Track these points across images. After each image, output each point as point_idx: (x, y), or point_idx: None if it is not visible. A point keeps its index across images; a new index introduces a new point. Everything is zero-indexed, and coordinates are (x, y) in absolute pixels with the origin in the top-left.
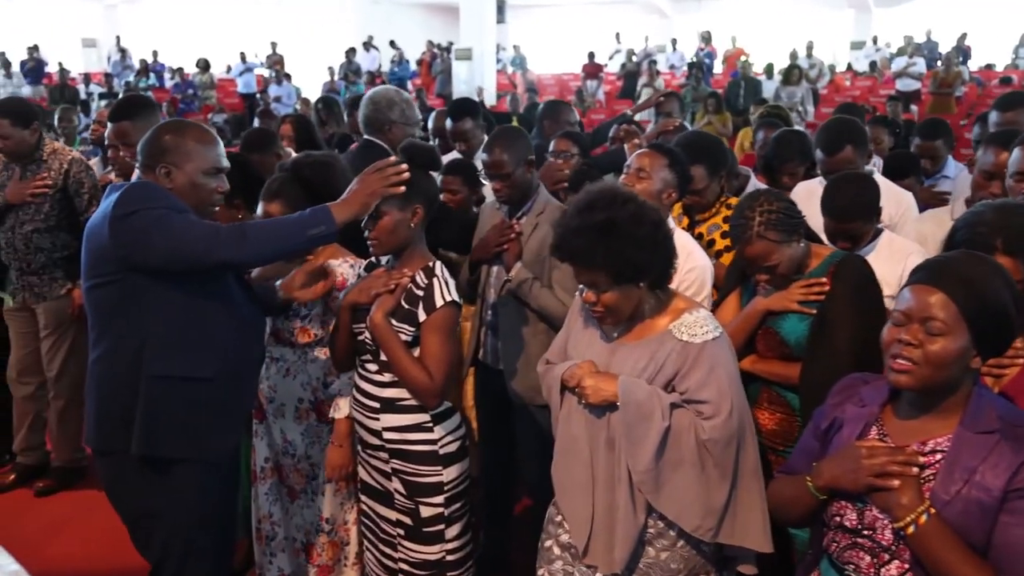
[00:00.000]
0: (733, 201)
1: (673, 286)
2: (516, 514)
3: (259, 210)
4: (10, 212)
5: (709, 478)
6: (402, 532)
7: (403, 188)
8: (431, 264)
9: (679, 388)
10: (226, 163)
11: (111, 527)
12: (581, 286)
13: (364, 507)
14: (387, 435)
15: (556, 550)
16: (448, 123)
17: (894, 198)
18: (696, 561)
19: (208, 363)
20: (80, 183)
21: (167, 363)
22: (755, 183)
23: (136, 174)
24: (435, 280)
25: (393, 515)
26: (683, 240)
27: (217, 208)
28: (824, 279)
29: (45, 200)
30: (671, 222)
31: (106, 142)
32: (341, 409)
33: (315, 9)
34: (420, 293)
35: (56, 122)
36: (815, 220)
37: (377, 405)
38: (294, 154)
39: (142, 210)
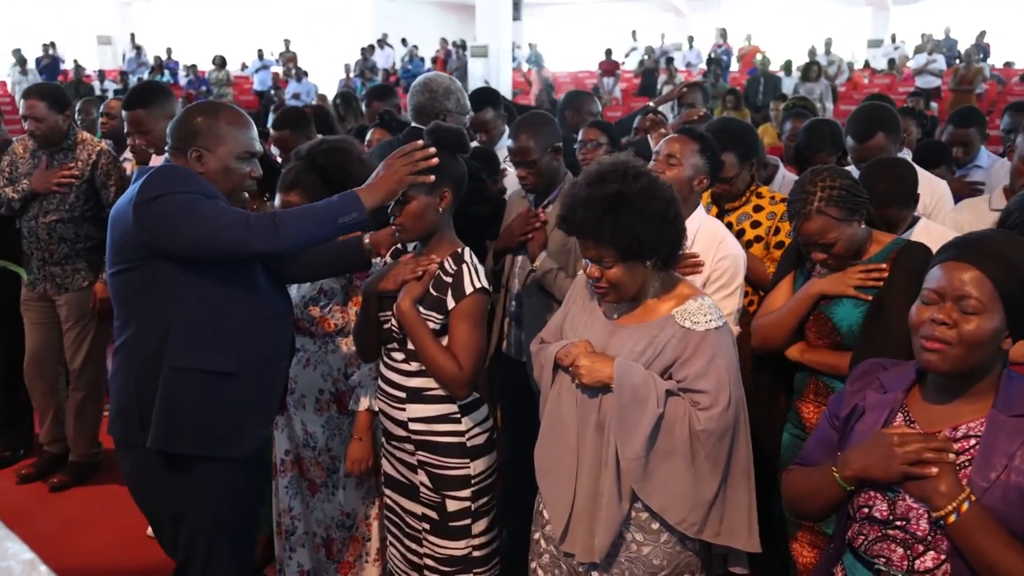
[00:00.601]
0: (763, 190)
1: (704, 275)
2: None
3: (277, 200)
4: (34, 200)
5: (699, 471)
6: (427, 527)
7: (432, 177)
8: (460, 250)
9: (677, 376)
10: (259, 147)
11: (127, 523)
12: (585, 261)
13: (388, 501)
14: (413, 426)
15: (543, 542)
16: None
17: (928, 187)
18: (680, 559)
19: (232, 356)
20: (108, 175)
21: (189, 354)
22: (783, 173)
23: (156, 159)
24: (464, 266)
25: (418, 509)
26: (715, 228)
27: (248, 194)
28: (884, 264)
29: (71, 190)
30: (701, 210)
31: (125, 130)
32: (362, 401)
33: (330, 6)
34: (449, 280)
35: (75, 113)
36: None
37: (403, 395)
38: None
39: (168, 194)
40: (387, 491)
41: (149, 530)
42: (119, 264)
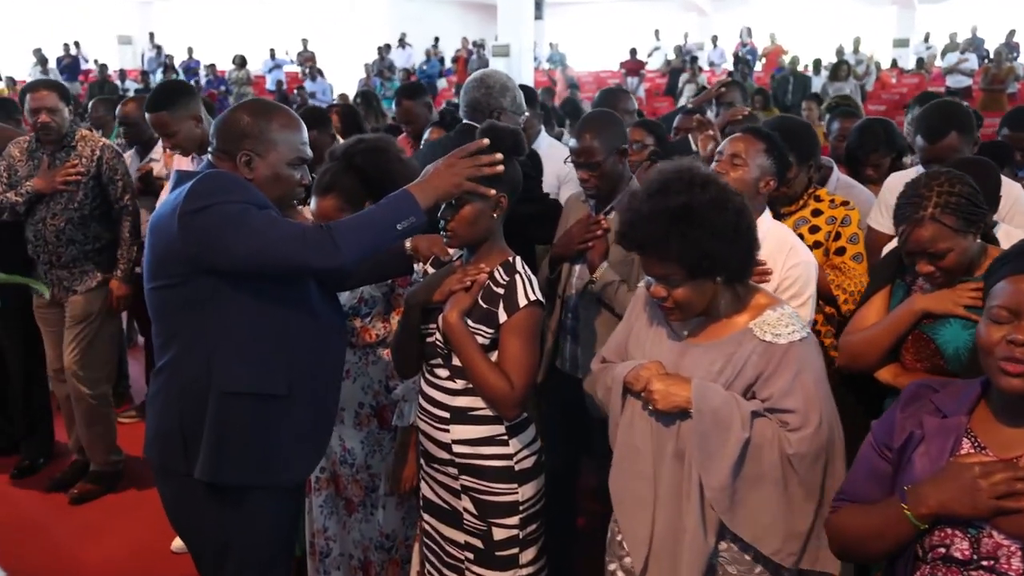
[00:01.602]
0: (822, 193)
1: (774, 283)
2: (581, 527)
3: (312, 205)
4: (40, 203)
5: (792, 497)
6: (471, 556)
7: (492, 191)
8: (511, 259)
9: (760, 395)
10: (309, 153)
11: (147, 536)
12: (648, 278)
13: (427, 527)
14: (457, 448)
15: (620, 574)
16: None
17: (1003, 190)
18: None
19: (285, 378)
20: (114, 170)
21: (239, 378)
22: (838, 175)
23: (195, 160)
24: (517, 277)
25: (461, 537)
26: (784, 233)
27: (298, 203)
28: None
29: (78, 189)
30: (767, 214)
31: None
32: (405, 416)
33: (347, 6)
34: (500, 291)
35: (88, 111)
36: None
37: (447, 415)
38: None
39: (217, 204)
40: (426, 516)
41: (174, 544)
42: (161, 279)
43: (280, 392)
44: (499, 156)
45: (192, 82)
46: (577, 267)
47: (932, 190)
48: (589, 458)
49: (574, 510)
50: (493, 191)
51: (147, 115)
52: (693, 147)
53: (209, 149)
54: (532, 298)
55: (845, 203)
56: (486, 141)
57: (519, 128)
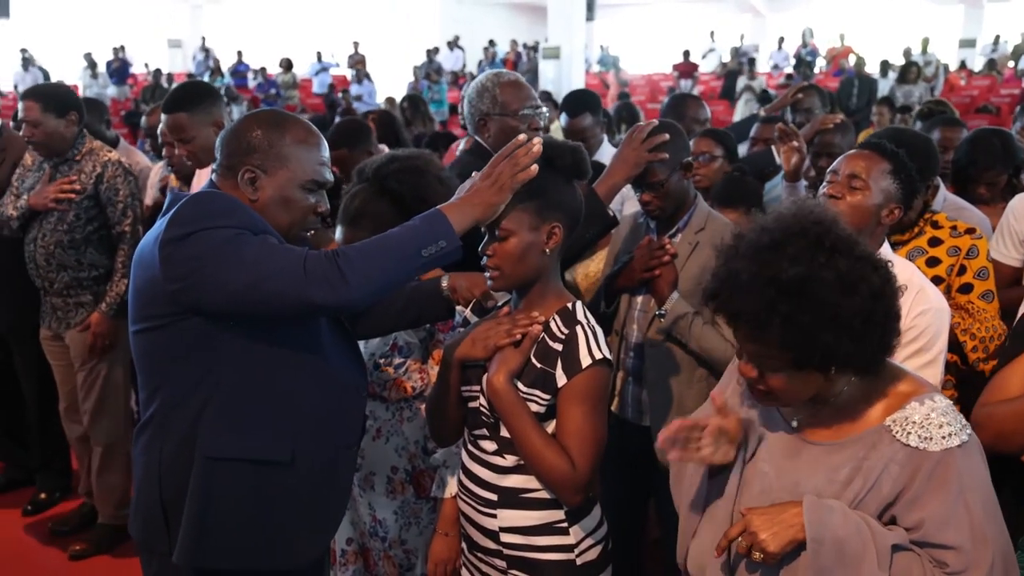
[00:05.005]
0: (940, 218)
1: None
2: None
3: (338, 235)
4: (35, 220)
5: None
6: None
7: (535, 168)
8: (571, 306)
9: (904, 520)
10: (329, 176)
11: None
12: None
13: None
14: (506, 538)
15: None
16: (563, 119)
17: None
18: None
19: (288, 440)
20: (114, 190)
21: (230, 441)
22: (944, 194)
23: (200, 179)
24: (579, 328)
25: None
26: (909, 272)
27: (311, 234)
28: None
29: (70, 207)
30: (887, 248)
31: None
32: (448, 486)
33: (399, 8)
34: (558, 347)
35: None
36: None
37: (494, 497)
38: (386, 149)
39: (204, 230)
40: None
41: None
42: (143, 320)
43: (281, 459)
44: (537, 140)
45: (241, 86)
46: (639, 298)
47: None
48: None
49: None
50: (536, 168)
51: (163, 116)
52: (777, 159)
53: (212, 166)
54: (598, 356)
55: (971, 231)
56: (523, 137)
57: (579, 146)
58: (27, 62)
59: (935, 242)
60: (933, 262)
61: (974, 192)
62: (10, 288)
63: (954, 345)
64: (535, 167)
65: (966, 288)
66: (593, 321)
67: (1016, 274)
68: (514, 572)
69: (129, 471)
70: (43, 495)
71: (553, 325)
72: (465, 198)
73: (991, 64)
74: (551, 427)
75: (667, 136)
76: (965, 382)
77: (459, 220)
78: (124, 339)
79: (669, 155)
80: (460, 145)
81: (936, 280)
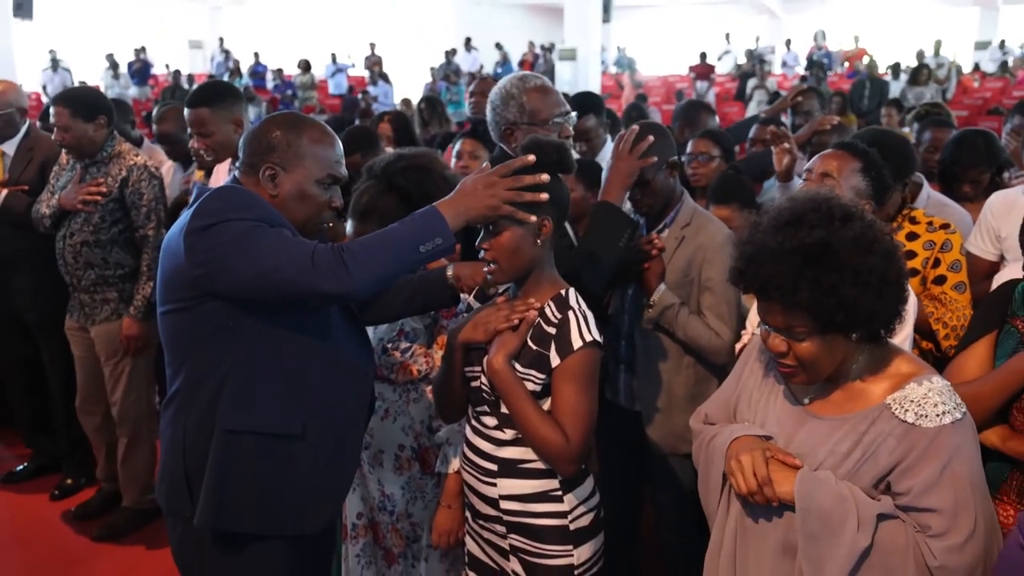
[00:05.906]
0: (918, 214)
1: None
2: None
3: (348, 228)
4: (65, 218)
5: None
6: None
7: (533, 218)
8: (564, 292)
9: (898, 487)
10: (344, 173)
11: None
12: (764, 326)
13: None
14: (505, 504)
15: None
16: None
17: None
18: None
19: (299, 416)
20: (139, 194)
21: (246, 415)
22: (928, 191)
23: (219, 174)
24: (571, 313)
25: None
26: None
27: (327, 227)
28: None
29: (96, 209)
30: None
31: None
32: (451, 462)
33: (415, 10)
34: (552, 331)
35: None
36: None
37: (494, 467)
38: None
39: (224, 222)
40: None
41: None
42: (170, 303)
43: (292, 432)
44: (545, 177)
45: (259, 87)
46: (629, 291)
47: None
48: (650, 502)
49: (637, 564)
50: (533, 217)
51: (186, 110)
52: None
53: (235, 163)
54: (588, 338)
55: (945, 226)
56: (532, 158)
57: (565, 143)
58: (55, 63)
59: (912, 237)
60: (910, 255)
61: (959, 190)
62: (43, 283)
63: (928, 333)
64: (544, 195)
65: (940, 280)
66: (584, 306)
67: (992, 268)
68: (513, 536)
69: (153, 459)
70: (69, 480)
71: (548, 310)
72: (462, 200)
73: (1004, 66)
74: (547, 404)
75: (651, 139)
76: (938, 367)
77: (453, 219)
78: (154, 338)
79: (656, 156)
80: (456, 146)
81: (912, 272)
